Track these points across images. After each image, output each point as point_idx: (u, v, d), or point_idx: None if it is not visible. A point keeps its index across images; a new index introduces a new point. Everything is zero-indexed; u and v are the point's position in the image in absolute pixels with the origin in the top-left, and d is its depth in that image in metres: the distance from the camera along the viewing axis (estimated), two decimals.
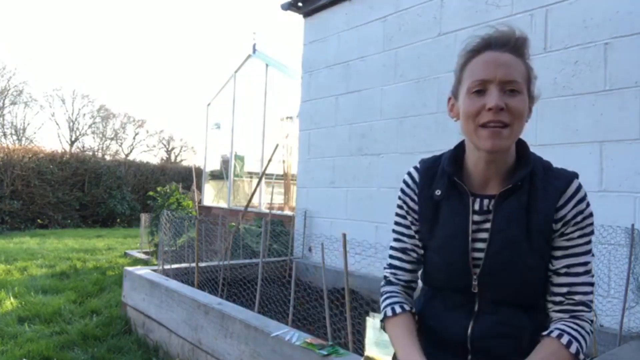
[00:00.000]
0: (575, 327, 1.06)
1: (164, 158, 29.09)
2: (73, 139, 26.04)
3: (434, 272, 1.20)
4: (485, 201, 1.11)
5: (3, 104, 23.61)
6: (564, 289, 1.09)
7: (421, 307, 1.24)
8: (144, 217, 7.85)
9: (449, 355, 1.14)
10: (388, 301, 1.22)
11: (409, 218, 1.23)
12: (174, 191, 8.11)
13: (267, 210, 7.60)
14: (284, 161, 8.47)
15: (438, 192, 1.16)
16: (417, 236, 1.22)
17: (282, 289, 4.45)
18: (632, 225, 2.63)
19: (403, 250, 1.24)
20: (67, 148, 23.38)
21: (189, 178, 13.69)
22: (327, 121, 5.19)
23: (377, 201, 4.56)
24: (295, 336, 2.37)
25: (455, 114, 1.15)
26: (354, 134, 4.86)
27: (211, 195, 10.45)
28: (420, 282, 1.29)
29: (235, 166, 9.37)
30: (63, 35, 40.81)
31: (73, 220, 13.03)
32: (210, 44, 48.99)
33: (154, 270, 4.10)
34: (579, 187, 1.08)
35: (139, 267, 4.58)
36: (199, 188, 10.37)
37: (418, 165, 1.24)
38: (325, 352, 2.16)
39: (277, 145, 6.79)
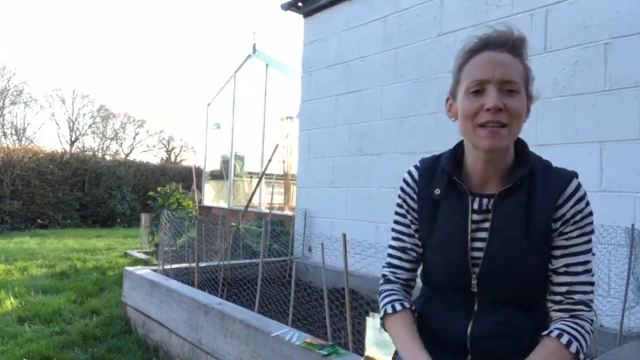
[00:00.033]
0: (575, 326, 1.06)
1: (164, 158, 29.10)
2: (73, 139, 26.07)
3: (434, 272, 1.20)
4: (485, 200, 1.11)
5: (3, 104, 23.63)
6: (564, 288, 1.08)
7: (421, 307, 1.24)
8: (144, 217, 7.84)
9: (448, 355, 1.13)
10: (388, 299, 1.22)
11: (409, 217, 1.23)
12: (174, 191, 8.10)
13: (267, 210, 7.60)
14: (284, 161, 8.47)
15: (437, 191, 1.16)
16: (416, 235, 1.22)
17: (282, 289, 4.44)
18: (632, 225, 2.63)
19: (402, 249, 1.24)
20: (67, 148, 23.41)
21: (189, 178, 13.69)
22: (327, 121, 5.19)
23: (377, 201, 4.56)
24: (295, 336, 2.37)
25: (453, 114, 1.15)
26: (354, 134, 4.86)
27: (211, 195, 10.45)
28: (418, 281, 1.29)
29: (235, 166, 9.37)
30: (63, 35, 40.89)
31: (73, 220, 13.03)
32: (210, 44, 49.08)
33: (154, 270, 4.10)
34: (578, 187, 1.08)
35: (139, 267, 4.58)
36: (199, 188, 10.37)
37: (418, 164, 1.24)
38: (325, 352, 2.16)
39: (277, 145, 6.80)
